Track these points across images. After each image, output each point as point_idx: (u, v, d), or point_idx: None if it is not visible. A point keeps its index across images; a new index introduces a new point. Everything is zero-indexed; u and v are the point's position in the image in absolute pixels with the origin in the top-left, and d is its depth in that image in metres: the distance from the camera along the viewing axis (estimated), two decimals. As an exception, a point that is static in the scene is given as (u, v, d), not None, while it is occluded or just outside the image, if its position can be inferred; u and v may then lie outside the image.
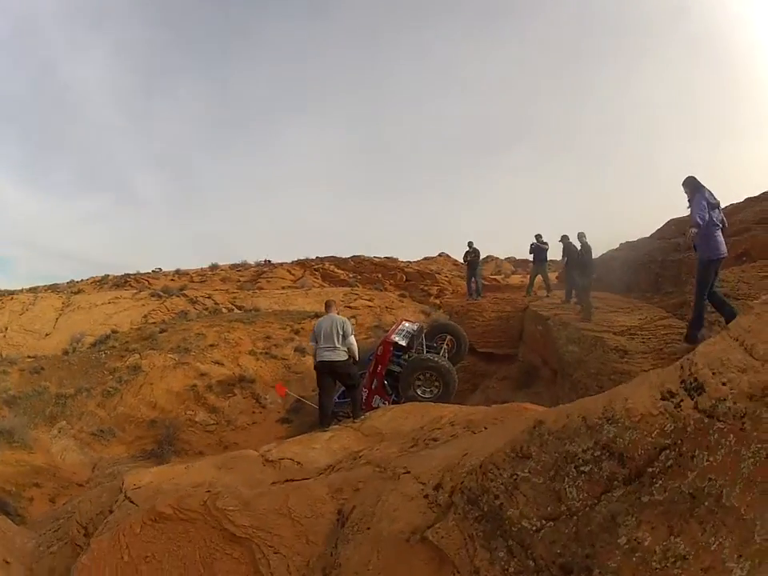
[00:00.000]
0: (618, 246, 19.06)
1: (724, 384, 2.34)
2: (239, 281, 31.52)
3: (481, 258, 19.83)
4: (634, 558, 2.28)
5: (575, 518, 2.54)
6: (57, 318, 24.21)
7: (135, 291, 27.66)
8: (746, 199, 15.51)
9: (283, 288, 28.65)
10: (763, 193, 15.00)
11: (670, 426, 2.38)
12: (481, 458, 3.18)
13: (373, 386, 9.74)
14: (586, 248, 13.70)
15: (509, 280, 30.03)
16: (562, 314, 13.48)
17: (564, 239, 15.25)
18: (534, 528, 2.67)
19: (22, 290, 30.52)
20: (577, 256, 14.16)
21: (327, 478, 4.70)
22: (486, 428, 4.80)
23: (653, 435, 2.41)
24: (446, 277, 30.34)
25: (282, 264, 34.35)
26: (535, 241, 17.36)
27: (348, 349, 7.97)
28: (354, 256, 35.36)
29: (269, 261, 35.79)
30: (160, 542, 4.26)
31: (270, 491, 4.43)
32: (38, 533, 6.16)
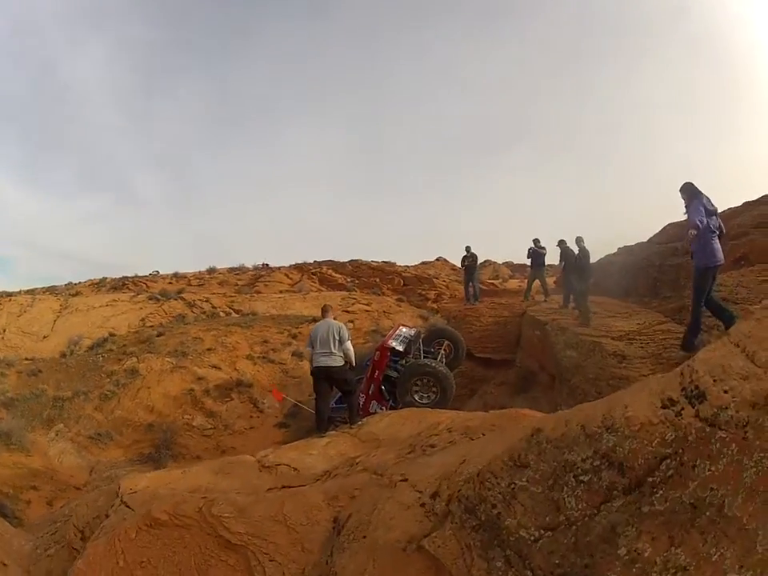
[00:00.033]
0: (615, 250, 19.04)
1: (726, 392, 2.30)
2: (237, 284, 31.44)
3: (478, 262, 19.81)
4: (634, 570, 2.24)
5: (574, 528, 2.51)
6: (54, 321, 24.13)
7: (133, 294, 27.56)
8: (744, 203, 15.49)
9: (281, 292, 28.59)
10: (761, 197, 14.97)
11: (671, 435, 2.34)
12: (478, 466, 3.14)
13: (370, 392, 9.69)
14: (584, 252, 13.67)
15: (506, 284, 29.96)
16: (560, 318, 13.44)
17: (561, 244, 15.20)
18: (533, 538, 2.63)
19: (20, 291, 30.41)
20: (574, 261, 14.11)
21: (323, 484, 4.66)
22: (483, 434, 4.77)
23: (653, 444, 2.37)
24: (444, 281, 30.26)
25: (279, 268, 34.27)
26: (533, 245, 17.33)
27: (344, 354, 7.93)
28: (352, 260, 35.31)
29: (267, 265, 35.72)
30: (155, 548, 4.24)
31: (266, 498, 4.39)
32: (35, 535, 6.12)
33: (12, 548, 5.67)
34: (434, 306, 24.46)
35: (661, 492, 2.32)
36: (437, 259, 40.16)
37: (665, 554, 2.19)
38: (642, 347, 10.42)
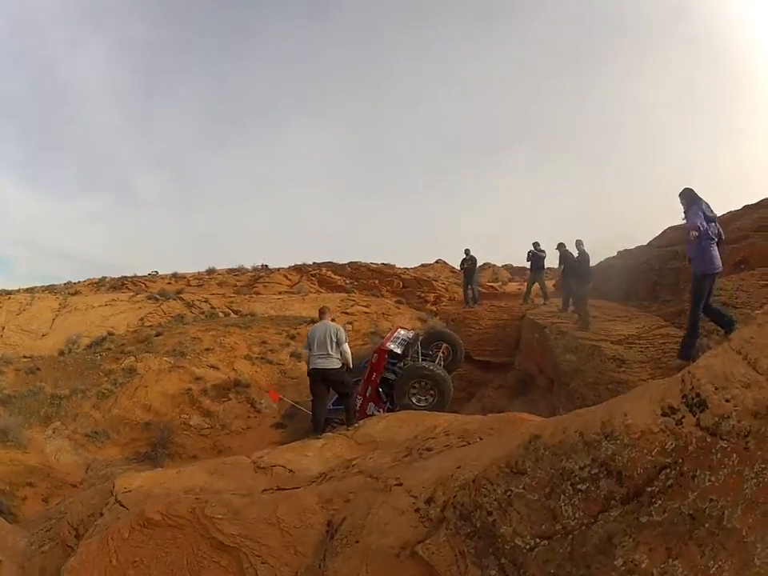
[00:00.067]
0: (615, 253, 19.02)
1: (727, 400, 2.25)
2: (236, 285, 31.47)
3: (478, 265, 19.79)
4: (631, 581, 2.20)
5: (570, 537, 2.46)
6: (53, 319, 24.18)
7: (132, 294, 27.59)
8: (743, 206, 15.47)
9: (280, 293, 28.60)
10: (761, 200, 14.96)
11: (671, 444, 2.30)
12: (474, 471, 3.10)
13: (367, 394, 9.66)
14: (584, 256, 13.63)
15: (506, 287, 29.94)
16: (560, 322, 13.40)
17: (560, 247, 15.17)
18: (528, 546, 2.59)
19: (20, 290, 30.42)
20: (574, 264, 14.08)
21: (318, 487, 4.62)
22: (481, 438, 4.73)
23: (653, 453, 2.32)
24: (443, 284, 30.28)
25: (278, 269, 34.29)
26: (533, 248, 17.29)
27: (342, 356, 7.89)
28: (351, 262, 35.32)
29: (266, 266, 35.77)
30: (148, 548, 4.21)
31: (260, 500, 4.34)
32: (30, 532, 6.09)
33: (7, 544, 5.65)
34: (433, 308, 24.48)
35: (659, 502, 2.27)
36: (436, 261, 40.18)
37: (662, 566, 2.15)
38: (641, 351, 10.39)
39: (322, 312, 8.39)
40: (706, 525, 2.13)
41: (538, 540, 2.56)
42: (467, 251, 18.54)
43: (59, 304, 25.56)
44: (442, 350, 11.11)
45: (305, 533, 3.85)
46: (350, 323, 20.84)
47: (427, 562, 2.96)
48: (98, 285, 34.04)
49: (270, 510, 4.06)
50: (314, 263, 36.04)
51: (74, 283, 35.01)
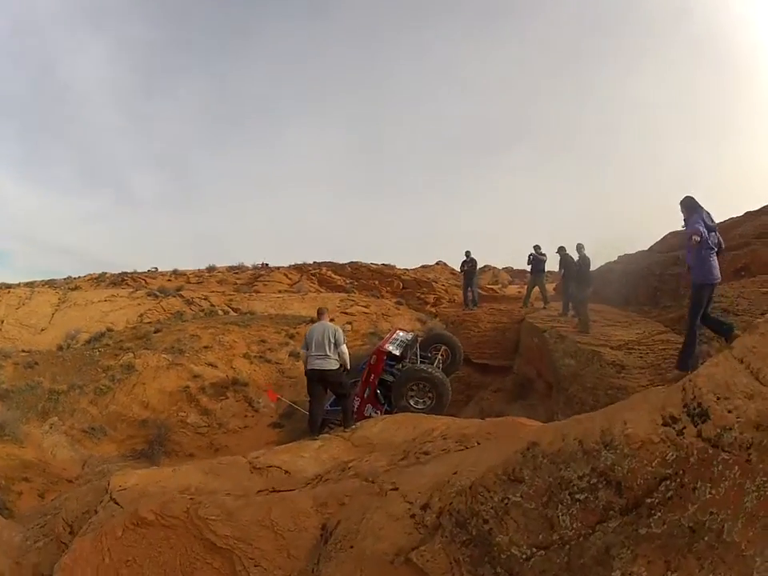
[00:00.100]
0: (616, 258, 19.01)
1: (730, 411, 2.22)
2: (236, 283, 31.39)
3: (478, 267, 19.77)
4: (629, 594, 2.17)
5: (567, 547, 2.43)
6: (53, 314, 24.11)
7: (132, 290, 27.51)
8: (745, 213, 15.48)
9: (280, 292, 28.53)
10: (763, 207, 14.96)
11: (672, 455, 2.26)
12: (471, 477, 3.06)
13: (365, 395, 9.62)
14: (585, 260, 13.60)
15: (505, 290, 29.84)
16: (559, 326, 13.38)
17: (561, 251, 15.15)
18: (524, 556, 2.55)
19: (19, 284, 30.37)
20: (574, 268, 14.05)
21: (313, 490, 4.58)
22: (478, 443, 4.69)
23: (653, 464, 2.29)
24: (443, 285, 30.19)
25: (279, 268, 34.22)
26: (533, 252, 17.25)
27: (339, 357, 7.86)
28: (352, 262, 35.23)
29: (266, 264, 35.67)
30: (141, 547, 4.21)
31: (254, 502, 4.31)
32: (25, 527, 6.09)
33: (2, 539, 5.65)
34: (433, 309, 24.39)
35: (659, 514, 2.24)
36: (437, 263, 40.11)
37: (661, 579, 2.11)
38: (641, 357, 10.37)
39: (320, 312, 8.35)
40: (706, 538, 2.10)
41: (534, 550, 2.53)
42: (468, 253, 18.53)
43: (59, 299, 25.48)
44: (440, 353, 11.06)
45: (299, 536, 3.82)
46: (350, 323, 20.77)
47: (422, 569, 2.93)
48: (98, 280, 33.96)
49: (264, 512, 4.03)
50: (314, 263, 35.97)
51: (74, 278, 34.96)
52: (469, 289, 18.94)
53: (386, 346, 9.91)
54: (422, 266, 39.26)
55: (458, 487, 3.12)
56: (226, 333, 18.79)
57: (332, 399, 9.33)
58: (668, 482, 2.25)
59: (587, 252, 13.64)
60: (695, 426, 2.28)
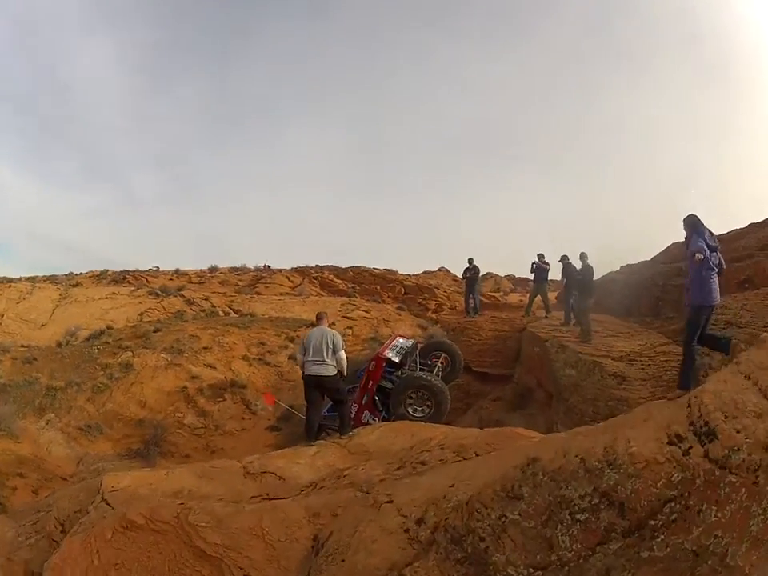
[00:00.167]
0: (618, 268, 18.94)
1: (738, 431, 2.14)
2: (238, 284, 31.31)
3: (480, 274, 19.69)
4: (629, 620, 2.08)
5: (566, 569, 2.34)
6: (53, 310, 24.08)
7: (133, 288, 27.44)
8: (749, 225, 15.40)
9: (281, 294, 28.44)
10: (767, 218, 14.89)
11: (678, 477, 2.18)
12: (468, 492, 2.97)
13: (363, 402, 9.53)
14: (588, 269, 13.51)
15: (507, 298, 29.74)
16: (561, 336, 13.29)
17: (564, 259, 15.05)
18: (521, 577, 2.46)
19: (21, 278, 30.34)
20: (576, 277, 13.96)
21: (306, 498, 4.50)
22: (476, 454, 4.61)
23: (658, 486, 2.20)
24: (445, 292, 30.08)
25: (281, 270, 34.16)
26: (537, 260, 17.16)
27: (337, 363, 7.77)
28: (354, 267, 35.14)
29: (268, 266, 35.60)
30: (130, 551, 4.18)
31: (245, 509, 4.22)
32: (18, 523, 6.04)
33: (-6, 534, 5.60)
34: (434, 316, 24.30)
35: (662, 537, 2.16)
36: (439, 269, 40.02)
37: (663, 605, 2.03)
38: (642, 369, 10.30)
39: (319, 317, 8.26)
40: (709, 562, 2.03)
41: (531, 570, 2.44)
42: (470, 260, 18.44)
43: (60, 295, 25.45)
44: (440, 360, 10.98)
45: (290, 547, 3.73)
46: (350, 328, 20.70)
47: (415, 586, 2.84)
48: (100, 277, 33.90)
49: (256, 520, 3.95)
50: (316, 266, 35.89)
51: (76, 274, 34.91)
52: (470, 296, 18.86)
53: (386, 352, 9.83)
54: (425, 272, 39.16)
55: (455, 502, 3.03)
56: (225, 334, 18.71)
57: (329, 404, 9.26)
58: (672, 504, 2.17)
59: (590, 261, 13.56)
60: (702, 446, 2.20)
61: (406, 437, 6.21)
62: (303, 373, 7.89)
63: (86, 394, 15.12)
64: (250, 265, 35.89)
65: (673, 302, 13.92)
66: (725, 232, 16.10)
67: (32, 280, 29.98)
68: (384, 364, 9.58)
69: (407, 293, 30.08)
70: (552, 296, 20.82)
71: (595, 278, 14.06)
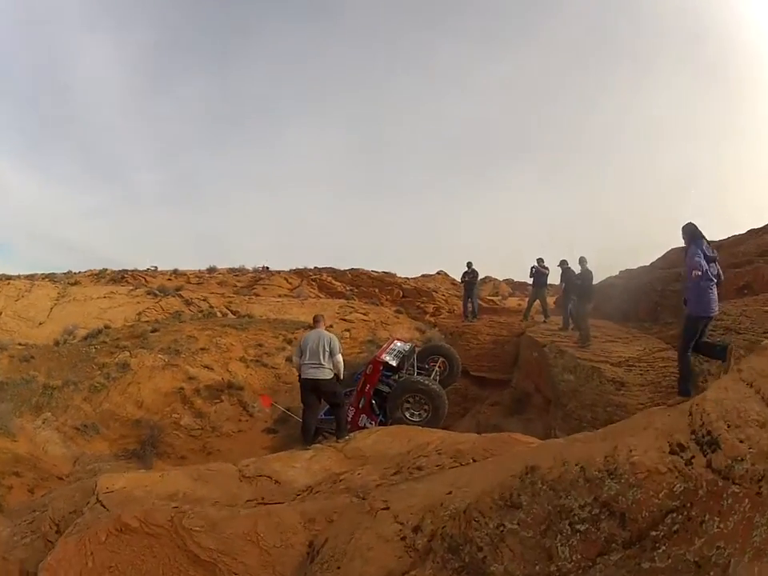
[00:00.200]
0: (617, 272, 18.94)
1: (741, 441, 2.11)
2: (236, 285, 31.29)
3: (479, 278, 19.67)
4: (630, 633, 2.04)
5: (566, 580, 2.30)
6: (51, 308, 24.06)
7: (132, 288, 27.40)
8: (748, 231, 15.42)
9: (279, 296, 28.39)
10: (767, 225, 14.90)
11: (680, 487, 2.14)
12: (466, 499, 2.93)
13: (360, 405, 9.49)
14: (587, 274, 13.49)
15: (506, 302, 29.76)
16: (559, 341, 13.27)
17: (563, 264, 15.03)
18: (520, 587, 2.42)
19: (19, 276, 30.31)
20: (575, 282, 13.94)
21: (301, 504, 4.45)
22: (474, 460, 4.57)
23: (660, 496, 2.16)
24: (444, 295, 30.06)
25: (279, 272, 34.17)
26: (536, 264, 17.12)
27: (334, 366, 7.73)
28: (352, 269, 35.16)
29: (267, 268, 35.64)
30: (124, 554, 4.14)
31: (240, 514, 4.18)
32: (13, 522, 6.02)
33: (-10, 533, 5.57)
34: (432, 319, 24.25)
35: (663, 548, 2.12)
36: (437, 273, 40.00)
37: (664, 618, 1.99)
38: (641, 374, 10.28)
39: (316, 320, 8.22)
40: (711, 573, 1.99)
41: (530, 581, 2.40)
42: (469, 264, 18.42)
43: (58, 293, 25.43)
44: (438, 364, 10.94)
45: (285, 552, 3.69)
46: (348, 330, 20.65)
47: (411, 595, 2.80)
48: (99, 276, 33.90)
49: (250, 525, 3.91)
50: (315, 268, 35.92)
51: (75, 273, 34.90)
52: (469, 300, 18.82)
53: (383, 356, 9.79)
54: (423, 275, 39.13)
55: (452, 510, 2.99)
56: (223, 335, 18.66)
57: (326, 408, 9.22)
58: (674, 515, 2.13)
59: (590, 265, 13.55)
60: (705, 456, 2.16)
61: (402, 441, 6.17)
62: (300, 376, 7.85)
63: (83, 394, 15.06)
64: (249, 266, 35.93)
65: (671, 307, 13.90)
66: (724, 238, 16.13)
67: (31, 278, 29.96)
68: (381, 367, 9.54)
69: (405, 296, 30.08)
70: (551, 301, 20.80)
71: (594, 282, 14.04)
